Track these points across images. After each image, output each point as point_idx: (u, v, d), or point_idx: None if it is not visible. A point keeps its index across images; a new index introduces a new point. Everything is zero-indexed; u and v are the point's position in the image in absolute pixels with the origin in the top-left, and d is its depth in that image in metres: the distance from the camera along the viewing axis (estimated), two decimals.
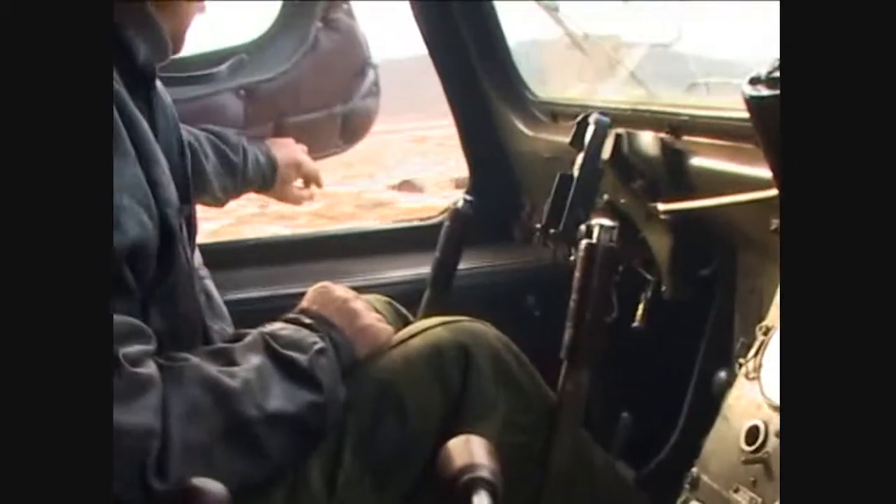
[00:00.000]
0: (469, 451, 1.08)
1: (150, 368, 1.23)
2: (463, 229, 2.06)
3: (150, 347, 1.26)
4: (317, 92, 2.46)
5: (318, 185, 2.35)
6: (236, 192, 2.22)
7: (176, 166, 1.47)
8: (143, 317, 1.29)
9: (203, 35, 2.54)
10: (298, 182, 2.32)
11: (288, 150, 2.30)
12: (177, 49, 1.48)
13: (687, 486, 1.40)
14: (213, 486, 1.04)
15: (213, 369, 1.32)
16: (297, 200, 2.35)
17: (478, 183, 2.04)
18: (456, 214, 2.07)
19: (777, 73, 1.15)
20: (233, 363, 1.35)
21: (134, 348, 1.22)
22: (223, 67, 2.43)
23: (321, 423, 1.42)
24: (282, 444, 1.36)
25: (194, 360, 1.31)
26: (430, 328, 1.56)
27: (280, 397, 1.35)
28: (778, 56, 1.15)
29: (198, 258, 1.67)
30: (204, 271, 1.78)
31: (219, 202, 2.19)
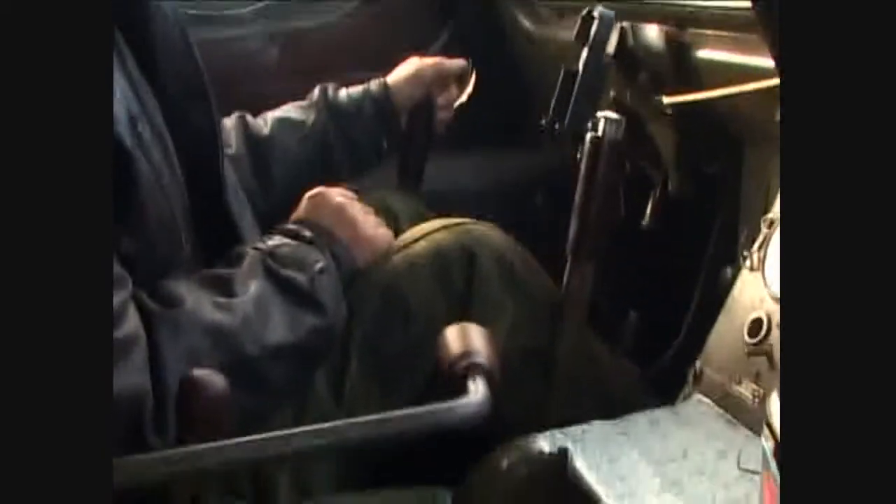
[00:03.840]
0: (465, 338, 1.09)
1: (130, 323, 1.18)
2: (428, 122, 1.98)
3: (127, 292, 1.20)
4: (369, 49, 2.32)
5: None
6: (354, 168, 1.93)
7: (175, 58, 1.43)
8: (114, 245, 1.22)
9: None
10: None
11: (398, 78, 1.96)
12: None
13: (690, 379, 1.40)
14: (212, 378, 1.04)
15: (209, 311, 1.27)
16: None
17: (482, 83, 2.02)
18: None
19: None
20: (231, 293, 1.32)
21: None
22: (252, 9, 2.35)
23: (325, 346, 1.41)
24: (285, 374, 1.36)
25: (189, 301, 1.26)
26: (433, 231, 1.55)
27: (281, 327, 1.33)
28: None
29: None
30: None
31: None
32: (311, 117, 1.87)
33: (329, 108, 1.89)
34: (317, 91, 1.92)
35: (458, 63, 2.01)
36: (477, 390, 1.02)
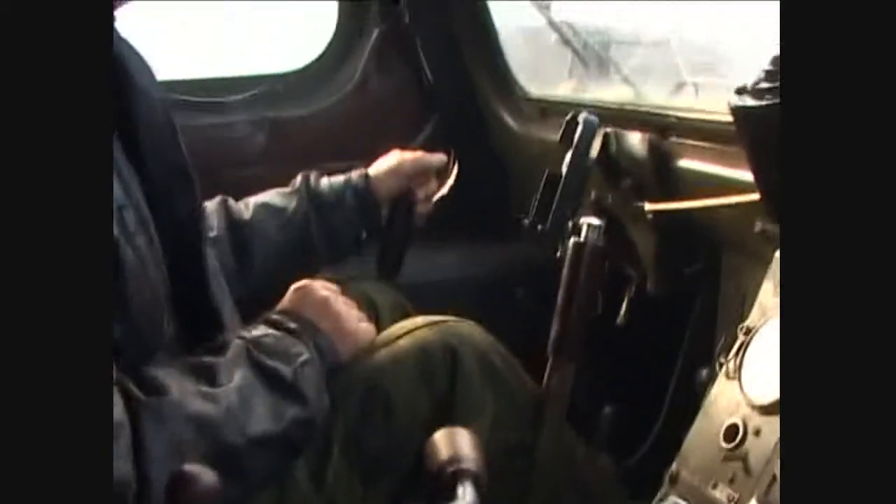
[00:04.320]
0: (454, 443, 1.10)
1: (115, 411, 1.18)
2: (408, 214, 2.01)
3: (112, 379, 1.21)
4: (355, 139, 2.38)
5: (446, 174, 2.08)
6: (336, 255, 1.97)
7: (159, 144, 1.44)
8: None
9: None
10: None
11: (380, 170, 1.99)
12: None
13: (667, 481, 1.42)
14: (203, 473, 1.05)
15: (194, 400, 1.28)
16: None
17: (464, 177, 2.05)
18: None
19: (763, 84, 1.18)
20: (215, 382, 1.33)
21: None
22: (241, 97, 2.40)
23: (307, 437, 1.42)
24: (266, 464, 1.37)
25: (174, 390, 1.27)
26: (416, 328, 1.57)
27: (264, 418, 1.34)
28: (764, 66, 1.18)
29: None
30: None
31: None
32: (292, 204, 1.90)
33: (310, 196, 1.91)
34: (299, 179, 1.95)
35: (438, 157, 2.04)
36: (465, 496, 1.04)
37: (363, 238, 1.97)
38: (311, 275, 1.65)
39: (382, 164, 1.98)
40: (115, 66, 1.37)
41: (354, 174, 1.96)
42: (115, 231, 1.25)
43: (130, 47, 1.43)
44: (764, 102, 1.18)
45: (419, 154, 2.02)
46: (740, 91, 1.21)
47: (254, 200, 1.90)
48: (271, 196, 1.92)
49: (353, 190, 1.93)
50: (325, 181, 1.95)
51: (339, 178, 1.95)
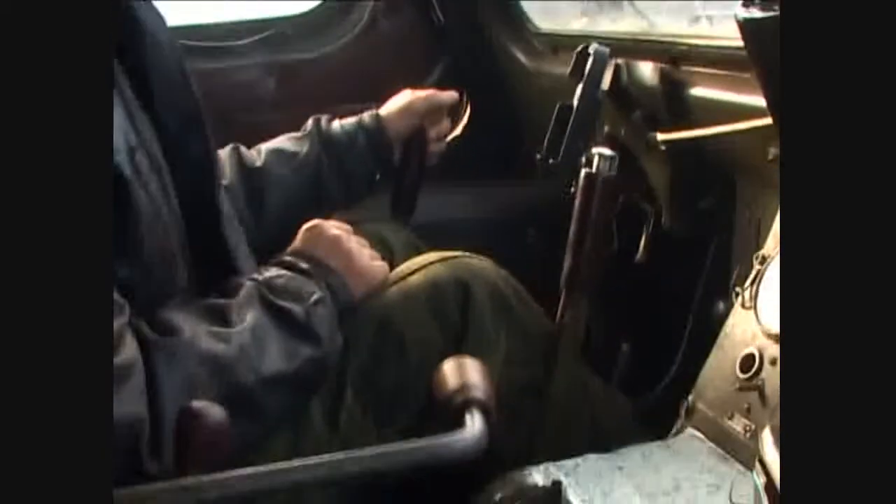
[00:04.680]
0: (462, 372, 1.09)
1: (127, 351, 1.19)
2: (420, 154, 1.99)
3: (124, 318, 1.21)
4: (366, 80, 2.35)
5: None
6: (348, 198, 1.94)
7: (171, 89, 1.43)
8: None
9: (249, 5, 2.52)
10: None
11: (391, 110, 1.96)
12: None
13: (683, 413, 1.41)
14: (211, 409, 1.04)
15: (206, 340, 1.28)
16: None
17: (476, 116, 2.02)
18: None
19: None
20: (228, 323, 1.33)
21: None
22: (251, 41, 2.38)
23: (320, 376, 1.42)
24: (280, 403, 1.36)
25: (186, 330, 1.27)
26: (428, 264, 1.56)
27: (277, 357, 1.34)
28: None
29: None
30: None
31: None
32: (304, 148, 1.88)
33: (322, 139, 1.90)
34: (310, 122, 1.93)
35: (450, 95, 2.01)
36: (474, 425, 1.03)
37: (377, 179, 1.95)
38: (326, 217, 1.64)
39: (394, 104, 1.96)
40: (126, 13, 1.36)
41: (366, 115, 1.94)
42: (128, 173, 1.24)
43: None
44: (772, 12, 1.14)
45: (431, 92, 2.00)
46: (747, 3, 1.17)
47: (265, 147, 1.89)
48: (283, 141, 1.90)
49: (365, 132, 1.91)
50: (336, 124, 1.93)
51: (350, 121, 1.93)
